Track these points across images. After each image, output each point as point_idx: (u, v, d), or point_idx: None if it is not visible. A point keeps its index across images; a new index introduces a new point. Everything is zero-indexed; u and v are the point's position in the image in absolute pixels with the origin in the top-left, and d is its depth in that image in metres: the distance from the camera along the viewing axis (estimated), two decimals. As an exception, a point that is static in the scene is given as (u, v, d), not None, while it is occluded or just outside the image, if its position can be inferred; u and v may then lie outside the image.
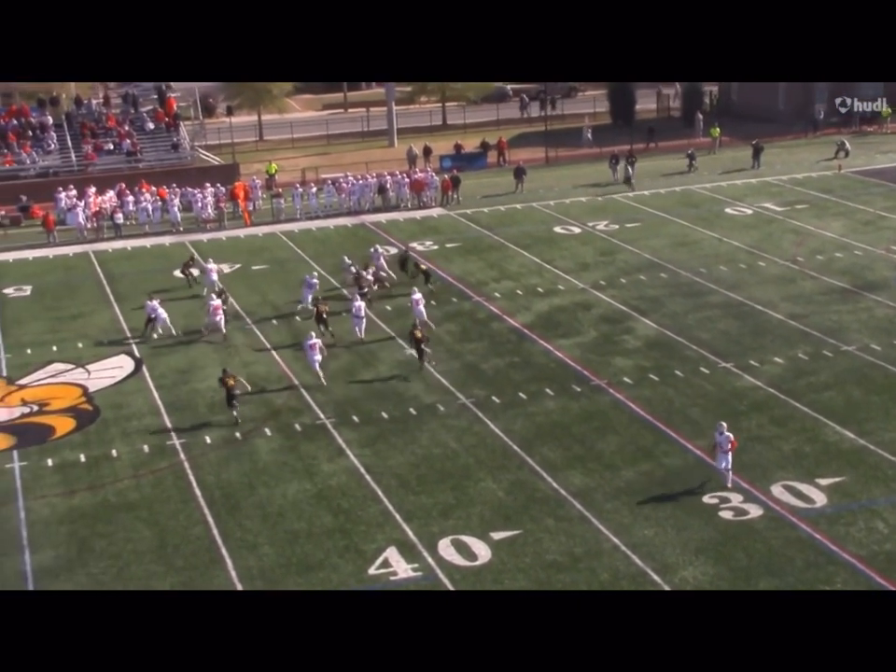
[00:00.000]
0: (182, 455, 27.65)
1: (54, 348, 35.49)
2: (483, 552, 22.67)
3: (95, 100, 67.54)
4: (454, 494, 25.10)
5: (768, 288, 38.22)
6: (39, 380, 33.02)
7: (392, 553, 22.74)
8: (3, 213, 52.33)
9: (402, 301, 37.07)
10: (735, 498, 24.28)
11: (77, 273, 44.25)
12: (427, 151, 61.08)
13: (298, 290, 38.51)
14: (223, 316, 35.81)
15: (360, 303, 34.91)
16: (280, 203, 51.88)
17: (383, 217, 50.94)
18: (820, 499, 24.20)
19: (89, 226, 49.79)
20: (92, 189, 51.81)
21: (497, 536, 23.22)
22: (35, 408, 30.98)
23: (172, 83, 69.11)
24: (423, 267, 39.56)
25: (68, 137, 60.49)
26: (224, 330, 35.61)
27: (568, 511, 24.18)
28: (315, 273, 39.33)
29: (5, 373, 33.66)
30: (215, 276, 39.83)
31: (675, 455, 26.51)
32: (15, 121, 60.76)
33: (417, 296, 35.45)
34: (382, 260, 40.50)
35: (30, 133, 60.21)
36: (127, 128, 61.61)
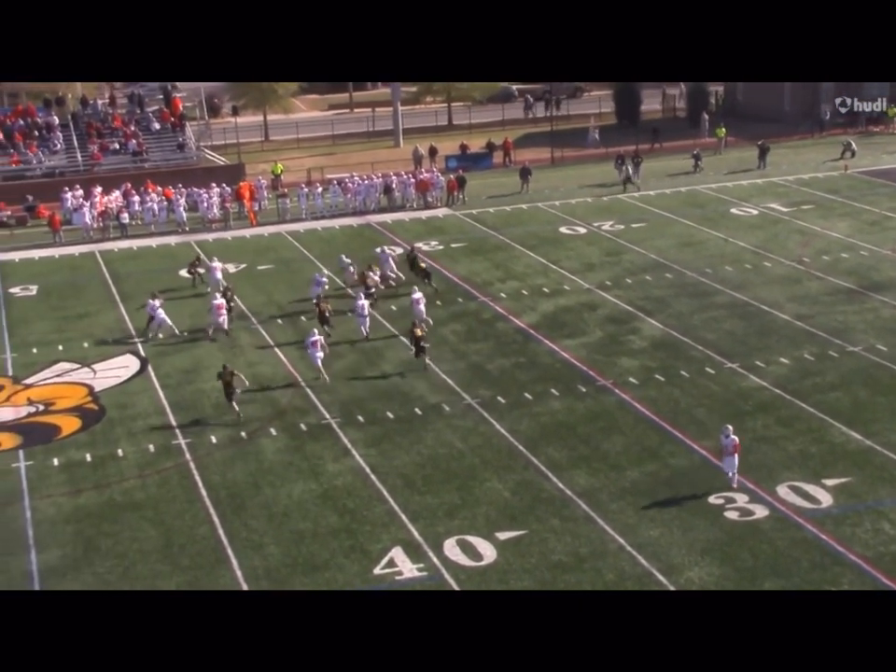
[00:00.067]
0: (188, 455, 27.67)
1: (60, 348, 35.54)
2: (488, 552, 22.66)
3: (101, 100, 67.64)
4: (459, 494, 25.10)
5: (774, 289, 38.18)
6: (45, 379, 33.06)
7: (397, 553, 22.74)
8: (9, 213, 52.40)
9: (407, 301, 37.04)
10: (741, 499, 24.24)
11: (83, 273, 44.30)
12: (432, 151, 61.07)
13: (303, 290, 38.54)
14: (226, 315, 35.88)
15: (363, 302, 34.97)
16: (286, 204, 51.87)
17: (388, 218, 50.94)
18: (826, 500, 24.17)
19: (94, 226, 49.85)
20: (98, 189, 51.89)
21: (502, 536, 23.21)
22: (41, 407, 31.03)
23: (177, 83, 69.18)
24: (423, 266, 39.57)
25: (74, 137, 60.55)
26: (226, 328, 35.67)
27: (574, 511, 24.17)
28: (325, 272, 39.36)
29: (11, 373, 33.71)
30: (219, 275, 39.91)
31: (680, 455, 26.49)
32: (21, 121, 60.85)
33: (417, 295, 35.49)
34: (391, 261, 40.53)
35: (36, 133, 60.29)
36: (133, 128, 61.68)
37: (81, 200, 51.25)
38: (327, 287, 38.20)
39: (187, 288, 40.80)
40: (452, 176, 54.02)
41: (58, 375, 33.36)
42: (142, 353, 34.80)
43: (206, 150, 64.68)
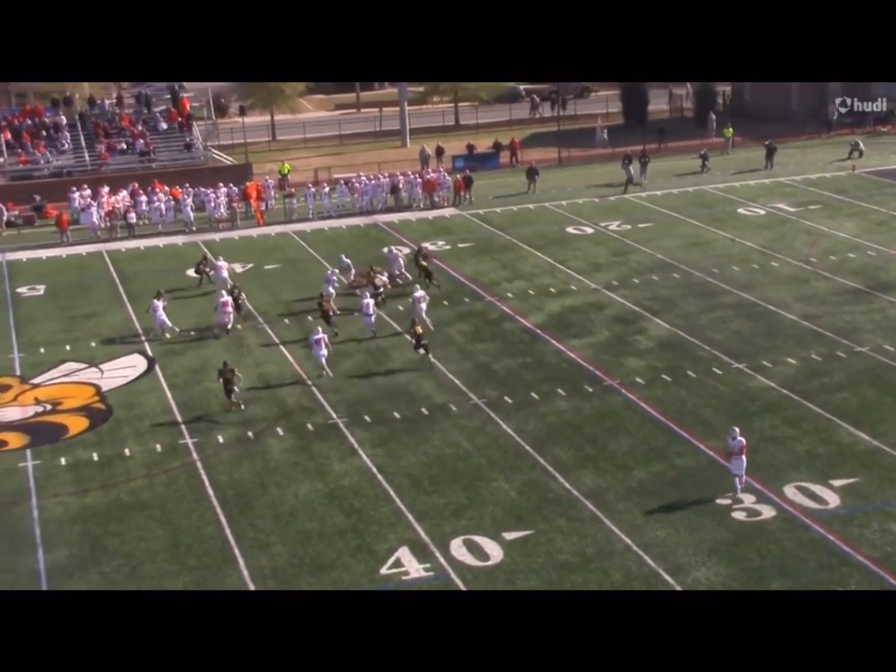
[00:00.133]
0: (194, 455, 27.70)
1: (67, 347, 35.59)
2: (495, 552, 22.65)
3: (108, 100, 67.71)
4: (466, 494, 25.09)
5: (781, 289, 38.13)
6: (52, 379, 33.11)
7: (404, 553, 22.74)
8: (17, 212, 52.48)
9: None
10: (748, 499, 24.20)
11: (91, 273, 44.36)
12: (439, 151, 61.07)
13: (310, 290, 38.58)
14: (232, 312, 35.99)
15: (368, 300, 35.05)
16: (292, 203, 51.94)
17: (395, 218, 50.95)
18: (834, 501, 24.13)
19: (102, 225, 49.93)
20: (106, 189, 51.96)
21: (509, 536, 23.20)
22: (49, 407, 31.07)
23: (185, 83, 69.27)
24: (425, 265, 39.62)
25: (82, 137, 60.63)
26: (229, 326, 35.78)
27: (581, 511, 24.16)
28: (336, 270, 39.43)
29: (18, 372, 33.77)
30: (225, 274, 40.03)
31: (687, 455, 26.46)
32: (29, 121, 60.95)
33: (419, 294, 35.62)
34: (400, 261, 40.62)
35: (44, 132, 60.37)
36: (140, 128, 61.74)
37: (89, 199, 51.32)
38: (338, 285, 38.32)
39: (194, 288, 40.85)
40: (459, 176, 54.03)
41: (65, 375, 33.41)
42: (149, 352, 34.84)
43: (213, 150, 64.72)
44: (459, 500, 24.81)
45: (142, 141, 60.15)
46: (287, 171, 57.55)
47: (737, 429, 24.62)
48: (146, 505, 25.34)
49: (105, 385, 32.41)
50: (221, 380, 29.91)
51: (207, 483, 26.20)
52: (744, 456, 24.22)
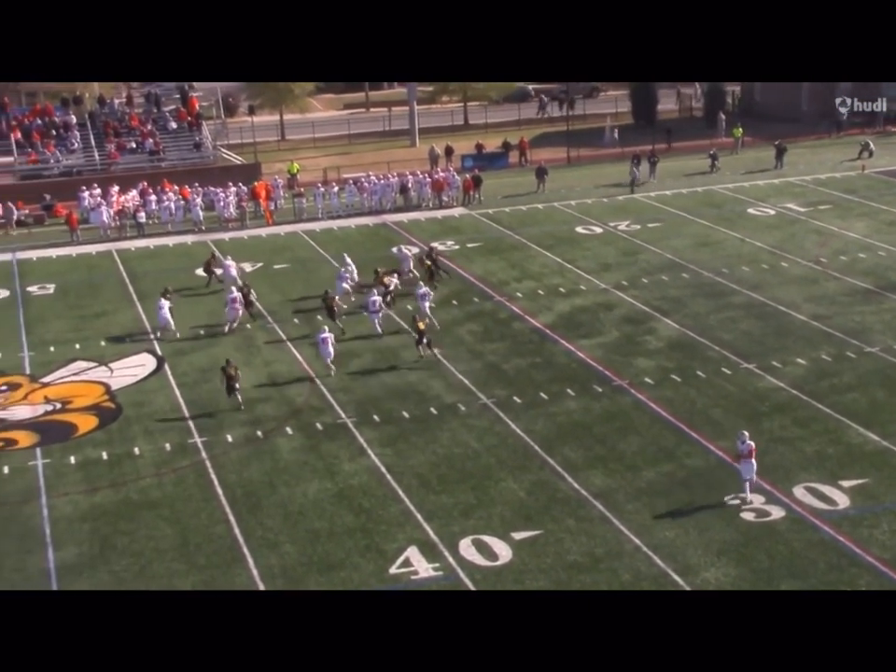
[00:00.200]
0: (204, 454, 27.73)
1: (77, 346, 35.66)
2: (503, 552, 22.65)
3: (118, 99, 67.88)
4: (475, 494, 25.09)
5: (791, 289, 38.06)
6: (62, 378, 33.18)
7: (413, 553, 22.74)
8: (27, 211, 52.59)
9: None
10: (758, 500, 24.16)
11: (100, 272, 44.45)
12: (448, 151, 61.07)
13: (319, 289, 38.53)
14: (241, 309, 36.15)
15: (375, 298, 35.17)
16: (302, 203, 52.00)
17: (404, 217, 50.97)
18: (843, 501, 24.08)
19: (112, 225, 50.02)
20: (115, 188, 52.05)
21: (518, 536, 23.19)
22: (58, 406, 31.14)
23: (194, 83, 69.38)
24: (428, 264, 39.71)
25: (91, 136, 60.75)
26: (235, 324, 35.89)
27: (590, 511, 24.14)
28: (349, 267, 39.46)
29: (28, 371, 33.85)
30: (234, 272, 40.18)
31: (697, 455, 26.43)
32: (39, 120, 61.09)
33: (423, 290, 35.89)
34: (409, 260, 40.74)
35: (54, 132, 60.50)
36: (150, 127, 61.85)
37: (99, 199, 51.42)
38: (352, 282, 38.39)
39: (203, 287, 40.92)
40: (468, 176, 54.05)
41: (75, 374, 33.48)
42: (158, 351, 34.90)
43: (223, 150, 64.82)
44: (468, 500, 24.81)
45: (151, 140, 60.25)
46: (296, 170, 57.60)
47: (746, 433, 24.52)
48: (155, 504, 25.38)
49: (114, 384, 32.48)
50: (224, 376, 29.99)
51: (216, 482, 26.23)
52: (753, 460, 24.12)
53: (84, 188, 52.87)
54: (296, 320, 37.13)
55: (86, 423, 29.92)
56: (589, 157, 62.18)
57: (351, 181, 53.60)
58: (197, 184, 52.89)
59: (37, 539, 24.05)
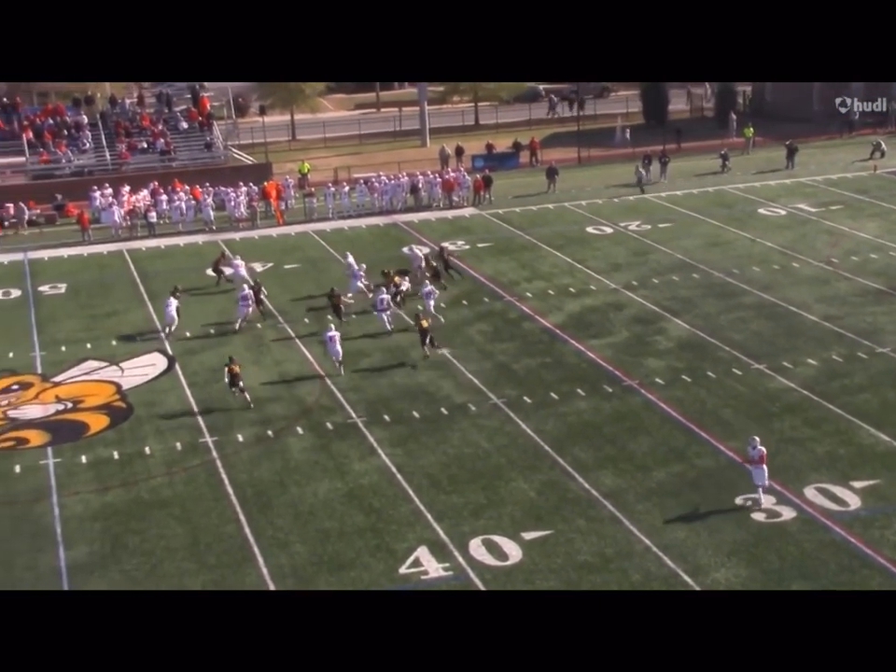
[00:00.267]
0: (214, 453, 27.78)
1: (88, 346, 35.75)
2: (514, 552, 22.64)
3: (129, 99, 68.02)
4: (485, 494, 25.09)
5: (802, 289, 37.98)
6: (73, 377, 33.26)
7: (423, 553, 22.74)
8: (38, 211, 52.74)
9: (433, 301, 37.15)
10: (768, 500, 24.10)
11: (112, 272, 44.55)
12: (459, 151, 61.08)
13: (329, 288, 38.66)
14: (251, 306, 36.27)
15: (384, 296, 35.41)
16: (312, 203, 52.05)
17: (415, 217, 50.99)
18: (854, 502, 24.01)
19: (123, 224, 50.13)
20: (126, 188, 52.16)
21: (528, 536, 23.18)
22: (70, 405, 31.22)
23: (205, 83, 69.48)
24: (433, 264, 39.80)
25: (103, 136, 60.88)
26: (243, 322, 35.96)
27: (600, 511, 24.12)
28: (364, 265, 39.51)
29: (40, 370, 33.94)
30: (243, 271, 40.34)
31: (707, 456, 26.39)
32: (51, 120, 61.24)
33: (428, 289, 36.13)
34: (421, 261, 40.79)
35: (65, 131, 60.65)
36: (161, 127, 61.97)
37: (110, 198, 51.54)
38: (366, 281, 38.42)
39: (213, 287, 40.99)
40: (478, 176, 54.05)
41: (86, 373, 33.56)
42: (169, 351, 34.96)
43: (234, 150, 64.92)
44: (478, 500, 24.81)
45: (162, 140, 60.36)
46: (306, 170, 57.66)
47: (757, 438, 24.29)
48: (166, 503, 25.43)
49: (125, 384, 32.55)
50: (227, 372, 30.14)
51: (227, 482, 26.27)
52: (765, 465, 23.94)
53: (95, 187, 53.00)
54: (306, 320, 37.17)
55: (97, 422, 29.99)
56: (600, 157, 62.13)
57: (362, 181, 53.65)
58: (208, 184, 52.98)
59: (49, 537, 24.11)
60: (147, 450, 28.12)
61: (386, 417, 29.28)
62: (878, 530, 22.78)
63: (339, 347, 32.08)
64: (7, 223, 50.96)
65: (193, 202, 51.45)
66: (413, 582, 21.69)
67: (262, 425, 29.18)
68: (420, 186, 52.84)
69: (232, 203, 51.07)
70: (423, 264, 40.56)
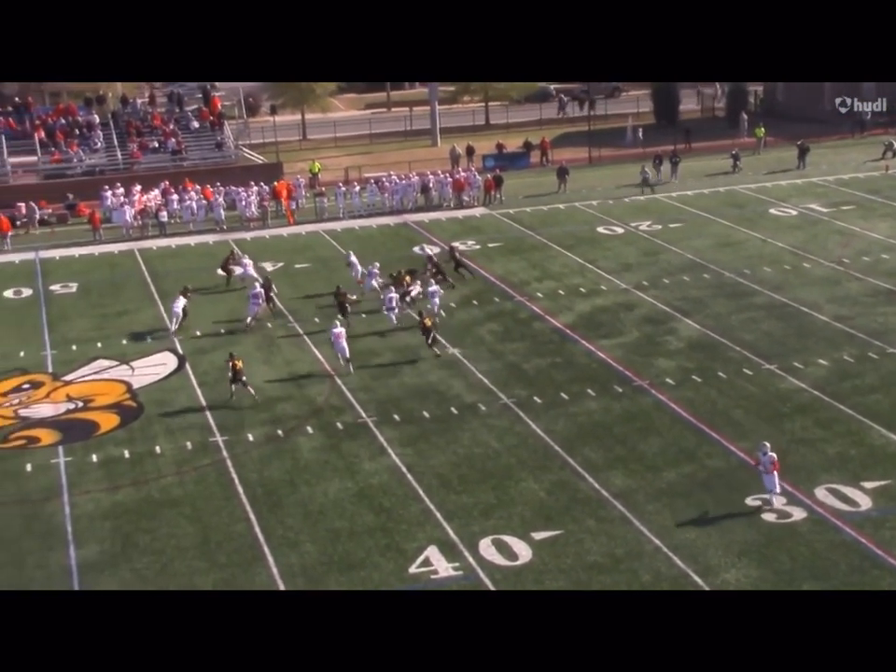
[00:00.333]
0: (225, 453, 27.81)
1: (99, 345, 35.82)
2: (523, 552, 22.63)
3: (141, 99, 68.14)
4: (495, 493, 25.08)
5: (813, 290, 37.89)
6: (84, 376, 33.34)
7: (433, 552, 22.75)
8: (50, 210, 52.87)
9: (444, 300, 37.15)
10: (779, 501, 24.05)
11: (123, 271, 44.64)
12: (469, 151, 61.07)
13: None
14: (262, 304, 36.35)
15: (393, 295, 35.65)
16: (323, 202, 52.08)
17: (425, 217, 50.99)
18: (865, 503, 23.95)
19: (134, 224, 50.22)
20: (137, 188, 52.27)
21: (538, 536, 23.17)
22: (80, 404, 31.28)
23: (216, 83, 69.57)
24: (438, 264, 39.94)
25: (114, 136, 61.00)
26: (251, 321, 36.04)
27: (610, 511, 24.09)
28: (378, 263, 39.55)
29: (51, 369, 34.02)
30: (251, 270, 40.49)
31: (717, 456, 26.34)
32: (63, 120, 61.39)
33: (433, 288, 36.25)
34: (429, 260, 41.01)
35: (77, 131, 60.79)
36: (172, 127, 62.06)
37: (121, 198, 51.64)
38: (381, 279, 38.45)
39: (224, 286, 41.05)
40: (489, 176, 54.04)
41: (97, 372, 33.63)
42: (180, 350, 35.02)
43: (245, 149, 65.01)
44: (488, 500, 24.80)
45: (174, 140, 60.46)
46: (317, 170, 57.72)
47: (768, 444, 24.10)
48: (176, 502, 25.47)
49: (136, 383, 32.61)
50: (231, 368, 30.28)
51: (237, 481, 26.30)
52: (776, 472, 23.79)
53: (107, 187, 53.10)
54: (316, 319, 37.19)
55: (108, 421, 30.05)
56: (610, 157, 62.06)
57: (372, 181, 53.68)
58: (219, 183, 53.05)
59: (59, 536, 24.18)
60: (158, 449, 28.17)
61: (396, 417, 29.29)
62: (889, 531, 22.72)
63: (345, 344, 32.21)
64: (18, 222, 51.07)
65: (204, 201, 51.52)
66: (423, 582, 21.70)
67: (272, 424, 29.21)
68: (431, 185, 52.85)
69: (243, 203, 51.13)
70: (428, 264, 40.64)
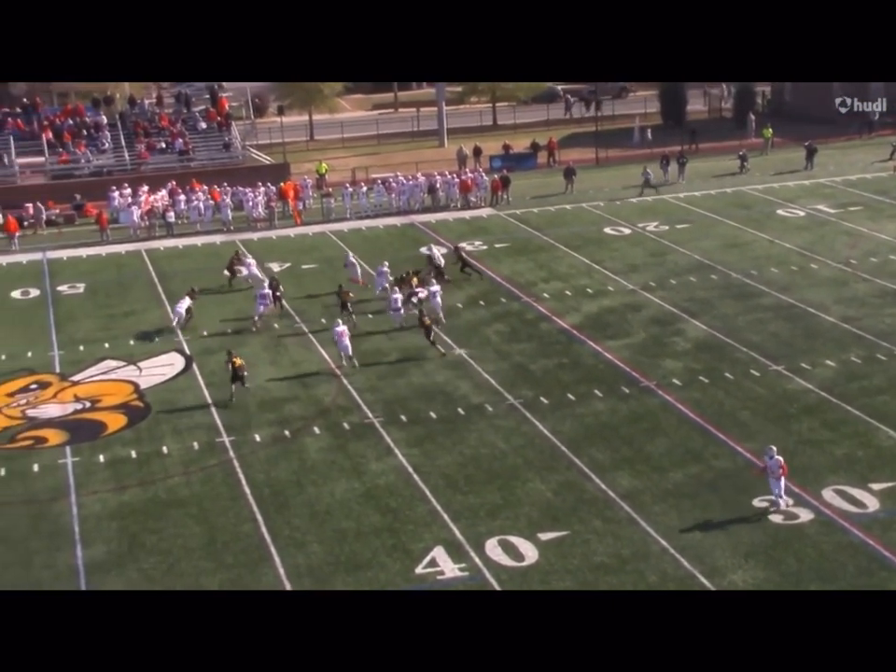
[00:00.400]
0: (231, 453, 27.84)
1: (106, 345, 35.88)
2: (530, 552, 22.62)
3: (148, 100, 68.28)
4: (501, 494, 25.08)
5: (820, 291, 37.83)
6: (92, 376, 33.39)
7: (439, 553, 22.75)
8: (57, 211, 52.98)
9: (450, 302, 37.15)
10: (786, 503, 23.99)
11: (130, 271, 44.70)
12: (476, 151, 61.05)
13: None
14: (269, 304, 36.45)
15: (398, 296, 35.62)
16: (330, 203, 52.08)
17: (432, 217, 50.98)
18: (873, 504, 23.90)
19: (141, 224, 50.28)
20: (145, 188, 52.34)
21: (544, 537, 23.16)
22: (88, 404, 31.33)
23: (224, 83, 69.63)
24: (437, 263, 39.93)
25: (122, 136, 61.09)
26: (260, 319, 36.12)
27: (616, 512, 24.07)
28: (387, 262, 39.56)
29: (58, 370, 34.08)
30: (256, 270, 40.57)
31: (724, 457, 26.31)
32: (70, 121, 61.49)
33: (435, 288, 36.32)
34: (440, 260, 41.00)
35: (84, 132, 60.87)
36: (179, 127, 62.14)
37: (129, 198, 51.72)
38: (391, 278, 38.48)
39: (227, 287, 41.09)
40: (496, 176, 54.01)
41: (104, 373, 33.68)
42: (187, 351, 35.06)
43: (252, 150, 65.06)
44: (495, 500, 24.80)
45: (181, 140, 60.53)
46: (324, 170, 57.76)
47: (774, 448, 23.96)
48: (183, 502, 25.50)
49: (143, 383, 32.66)
50: (231, 366, 30.34)
51: (244, 481, 26.32)
52: (783, 478, 23.64)
53: (114, 187, 53.21)
54: (323, 320, 37.19)
55: (115, 421, 30.09)
56: (617, 157, 62.00)
57: (379, 181, 53.69)
58: (226, 184, 53.11)
59: (66, 536, 24.22)
60: (165, 449, 28.20)
61: (403, 417, 29.29)
62: (897, 533, 22.69)
63: (347, 342, 32.30)
64: (26, 223, 51.18)
65: (211, 202, 51.53)
66: (430, 583, 21.70)
67: (279, 425, 29.23)
68: (438, 186, 52.85)
69: (250, 204, 51.17)
70: (428, 264, 40.66)
